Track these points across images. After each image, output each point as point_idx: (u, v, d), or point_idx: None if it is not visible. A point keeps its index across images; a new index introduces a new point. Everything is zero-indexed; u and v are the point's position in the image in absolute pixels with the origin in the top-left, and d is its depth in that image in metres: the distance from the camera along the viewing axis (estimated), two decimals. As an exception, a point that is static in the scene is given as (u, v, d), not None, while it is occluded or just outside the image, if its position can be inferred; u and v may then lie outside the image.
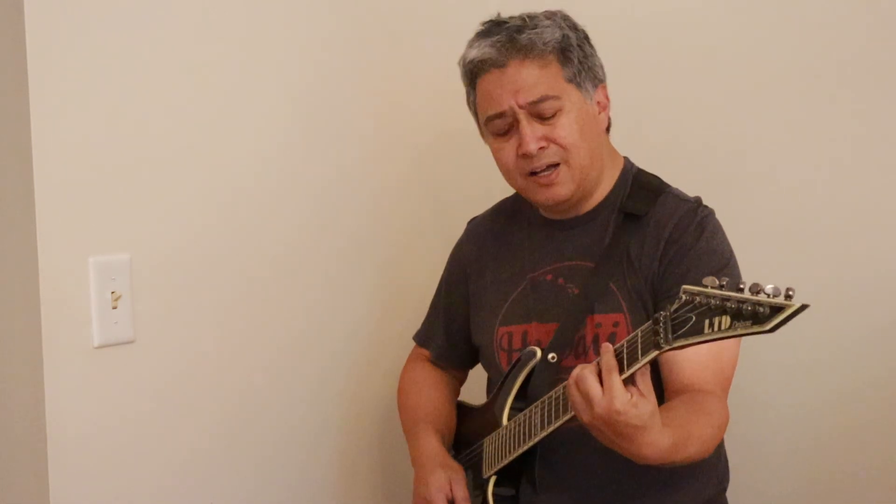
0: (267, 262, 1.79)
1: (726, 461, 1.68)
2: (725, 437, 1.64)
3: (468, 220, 1.86)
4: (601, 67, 1.64)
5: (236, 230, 1.73)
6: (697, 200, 1.62)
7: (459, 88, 1.68)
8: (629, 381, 1.30)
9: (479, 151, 1.71)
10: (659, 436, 1.31)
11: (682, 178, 1.70)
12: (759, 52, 1.96)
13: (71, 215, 1.49)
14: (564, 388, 1.39)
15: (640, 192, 1.63)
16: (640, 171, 1.68)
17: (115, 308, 1.54)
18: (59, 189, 1.48)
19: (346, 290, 1.94)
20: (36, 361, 1.47)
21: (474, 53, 1.60)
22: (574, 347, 1.57)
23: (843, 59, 1.88)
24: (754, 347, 1.79)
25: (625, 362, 1.30)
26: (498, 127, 1.60)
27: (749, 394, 1.90)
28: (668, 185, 1.65)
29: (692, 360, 1.49)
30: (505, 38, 1.56)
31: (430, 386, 1.83)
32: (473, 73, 1.61)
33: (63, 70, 1.48)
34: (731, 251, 1.59)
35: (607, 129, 1.68)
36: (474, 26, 1.64)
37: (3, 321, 1.55)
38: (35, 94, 1.45)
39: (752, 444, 1.95)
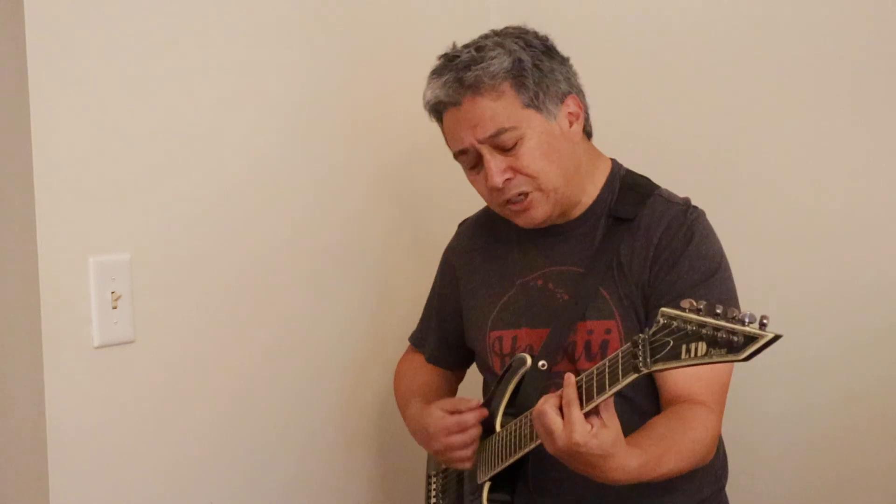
0: (267, 262, 1.79)
1: (725, 459, 1.68)
2: (724, 436, 1.64)
3: (459, 219, 1.86)
4: (567, 79, 1.60)
5: (236, 230, 1.74)
6: (686, 202, 1.61)
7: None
8: (593, 411, 1.32)
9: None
10: (624, 460, 1.34)
11: (682, 178, 1.70)
12: (755, 52, 1.96)
13: (71, 215, 1.49)
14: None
15: (629, 194, 1.62)
16: (629, 173, 1.67)
17: (115, 308, 1.54)
18: (59, 189, 1.48)
19: (344, 288, 1.94)
20: (36, 361, 1.47)
21: (429, 95, 1.60)
22: (565, 353, 1.57)
23: (840, 59, 1.88)
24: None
25: (594, 391, 1.32)
26: (465, 162, 1.61)
27: (748, 394, 1.90)
28: (656, 186, 1.64)
29: (684, 372, 1.49)
30: (453, 78, 1.55)
31: (423, 373, 1.84)
32: (436, 110, 1.62)
33: (63, 71, 1.48)
34: (721, 254, 1.58)
35: (589, 135, 1.66)
36: (458, 32, 1.63)
37: (3, 321, 1.55)
38: (35, 95, 1.45)
39: (751, 445, 1.95)
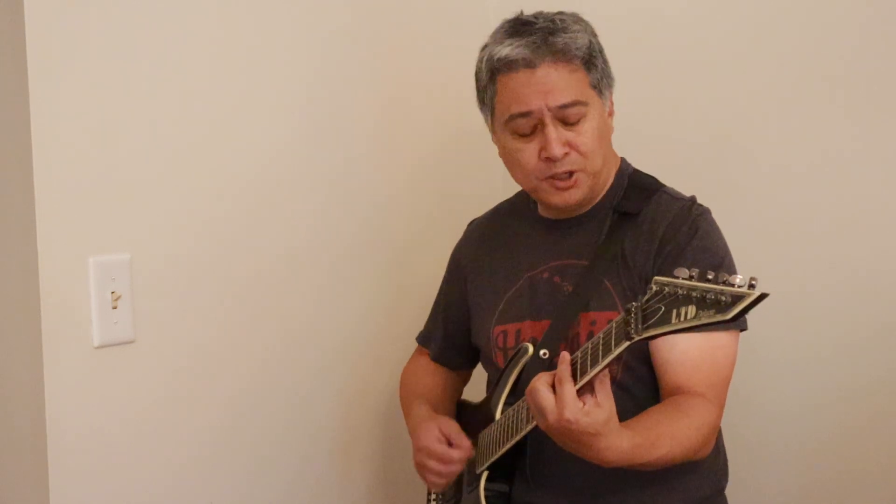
0: (267, 262, 1.79)
1: (725, 460, 1.68)
2: (725, 436, 1.64)
3: (470, 219, 1.87)
4: (612, 74, 1.64)
5: (237, 230, 1.74)
6: (692, 199, 1.62)
7: (463, 88, 1.68)
8: (587, 388, 1.33)
9: (483, 151, 1.70)
10: (616, 439, 1.35)
11: (684, 178, 1.70)
12: (758, 51, 1.96)
13: (71, 215, 1.50)
14: None
15: (635, 191, 1.64)
16: (636, 171, 1.69)
17: (115, 308, 1.54)
18: (59, 189, 1.48)
19: (347, 290, 1.94)
20: (36, 361, 1.48)
21: (506, 52, 1.57)
22: (568, 344, 1.57)
23: (843, 59, 1.88)
24: (755, 347, 1.80)
25: (588, 366, 1.33)
26: (521, 126, 1.59)
27: (749, 393, 1.90)
28: (662, 185, 1.66)
29: (685, 363, 1.50)
30: (539, 40, 1.55)
31: (428, 375, 1.86)
32: (497, 69, 1.59)
33: (63, 70, 1.48)
34: (725, 250, 1.59)
35: None
36: (476, 26, 1.64)
37: (3, 321, 1.55)
38: (35, 95, 1.45)
39: (751, 444, 1.95)
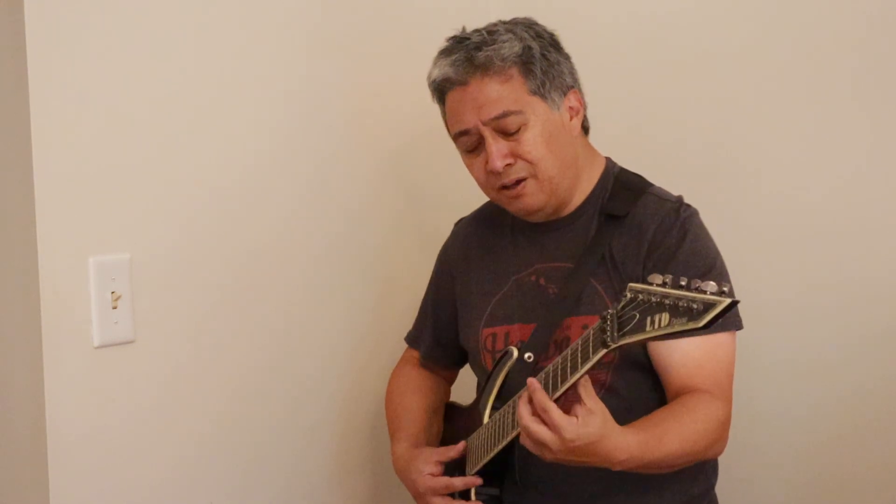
0: (267, 261, 1.79)
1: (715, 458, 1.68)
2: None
3: (462, 214, 1.87)
4: (570, 73, 1.63)
5: (236, 230, 1.74)
6: (679, 200, 1.62)
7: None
8: (574, 398, 1.33)
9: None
10: (620, 437, 1.34)
11: (678, 177, 1.71)
12: (753, 51, 1.96)
13: (71, 215, 1.49)
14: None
15: (622, 192, 1.63)
16: (623, 171, 1.68)
17: (115, 308, 1.54)
18: (59, 189, 1.48)
19: (345, 286, 1.94)
20: (36, 361, 1.48)
21: (437, 73, 1.61)
22: (557, 347, 1.57)
23: (837, 57, 1.88)
24: (752, 349, 1.80)
25: (568, 373, 1.33)
26: (466, 143, 1.61)
27: (744, 393, 1.90)
28: (650, 185, 1.65)
29: (687, 363, 1.50)
30: (463, 57, 1.57)
31: (412, 392, 1.84)
32: (440, 90, 1.63)
33: (63, 70, 1.48)
34: (716, 252, 1.59)
35: (586, 132, 1.67)
36: (457, 25, 1.64)
37: (3, 321, 1.55)
38: (35, 94, 1.45)
39: (745, 444, 1.94)
